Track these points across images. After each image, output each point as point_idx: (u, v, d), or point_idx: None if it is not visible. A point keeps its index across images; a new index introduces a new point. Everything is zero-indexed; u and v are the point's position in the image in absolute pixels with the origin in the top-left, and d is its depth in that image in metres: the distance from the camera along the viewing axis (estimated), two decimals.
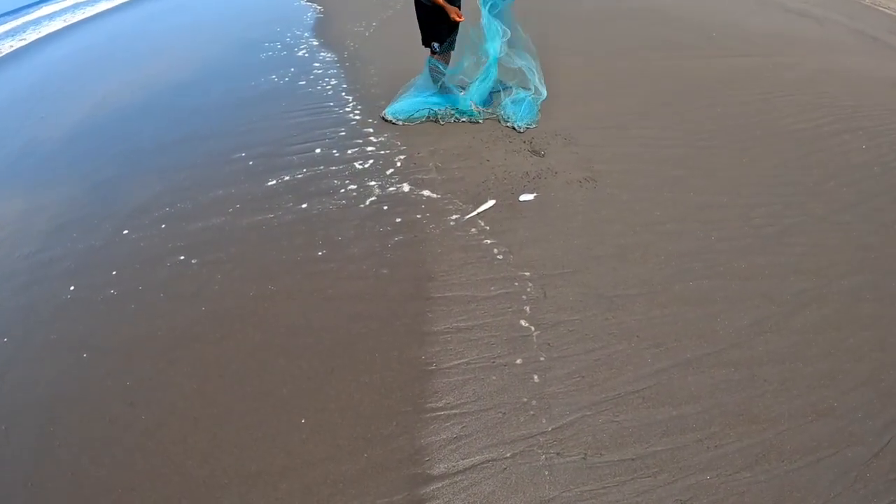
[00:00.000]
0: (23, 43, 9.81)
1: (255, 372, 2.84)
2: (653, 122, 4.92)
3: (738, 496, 2.17)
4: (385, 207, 3.98)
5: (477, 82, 5.04)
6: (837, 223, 3.63)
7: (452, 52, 5.08)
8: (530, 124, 4.93)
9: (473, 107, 5.02)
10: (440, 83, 5.12)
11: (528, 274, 3.30)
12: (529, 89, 5.21)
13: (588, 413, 2.51)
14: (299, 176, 4.45)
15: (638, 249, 3.44)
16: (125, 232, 4.01)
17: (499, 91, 5.26)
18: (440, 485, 2.27)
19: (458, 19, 4.71)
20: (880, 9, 8.80)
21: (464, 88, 5.19)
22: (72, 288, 3.55)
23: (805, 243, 3.46)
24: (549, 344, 2.85)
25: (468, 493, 2.24)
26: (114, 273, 3.62)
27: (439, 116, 5.15)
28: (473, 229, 3.70)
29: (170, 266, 3.62)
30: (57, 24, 10.91)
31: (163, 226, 4.02)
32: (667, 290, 3.14)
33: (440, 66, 5.02)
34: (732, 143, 4.56)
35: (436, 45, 4.87)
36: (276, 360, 2.89)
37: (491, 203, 3.90)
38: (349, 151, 4.75)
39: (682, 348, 2.80)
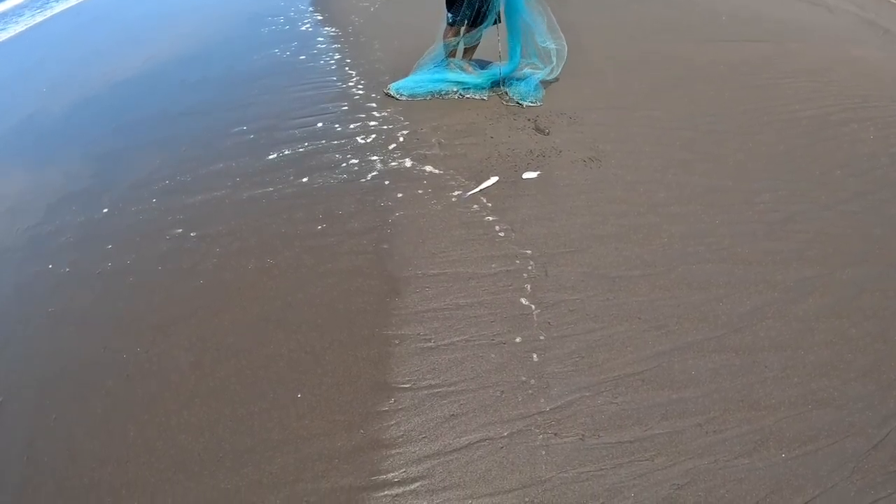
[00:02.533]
0: (30, 23, 9.71)
1: (252, 346, 2.82)
2: (659, 105, 4.86)
3: (736, 482, 2.16)
4: (386, 182, 3.95)
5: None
6: (843, 212, 3.58)
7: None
8: (535, 102, 4.88)
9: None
10: (449, 58, 5.10)
11: (529, 252, 3.28)
12: (539, 68, 5.16)
13: (587, 394, 2.49)
14: (300, 150, 4.41)
15: (641, 230, 3.41)
16: (124, 205, 3.99)
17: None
18: (436, 462, 2.26)
19: None
20: (892, 0, 8.68)
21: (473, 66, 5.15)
22: (70, 261, 3.53)
23: (809, 231, 3.42)
24: (549, 323, 2.83)
25: (464, 472, 2.22)
26: (112, 246, 3.61)
27: (443, 93, 5.10)
28: (475, 206, 3.66)
29: (168, 239, 3.59)
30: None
31: (162, 199, 3.99)
32: (669, 272, 3.11)
33: (453, 43, 5.01)
34: (739, 127, 4.50)
35: (449, 15, 4.82)
36: (273, 334, 2.87)
37: (494, 180, 3.86)
38: (351, 126, 4.71)
39: (683, 331, 2.77)
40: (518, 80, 5.05)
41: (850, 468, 2.21)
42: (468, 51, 5.21)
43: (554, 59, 5.08)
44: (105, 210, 3.96)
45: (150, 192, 4.09)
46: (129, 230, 3.73)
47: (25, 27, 9.64)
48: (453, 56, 5.15)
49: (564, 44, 5.08)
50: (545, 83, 5.13)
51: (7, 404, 2.70)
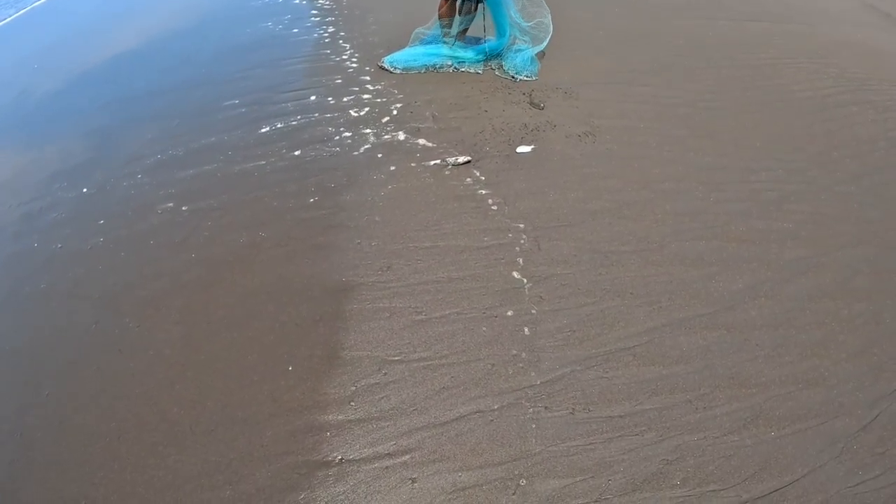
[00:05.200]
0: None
1: (243, 319, 2.80)
2: (656, 81, 4.83)
3: (725, 459, 2.17)
4: (379, 155, 3.91)
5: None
6: (839, 194, 3.58)
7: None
8: (530, 76, 4.84)
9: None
10: (446, 34, 5.06)
11: (522, 226, 3.26)
12: (530, 42, 5.10)
13: (578, 368, 2.49)
14: (293, 123, 4.36)
15: (635, 206, 3.40)
16: (115, 180, 3.93)
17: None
18: (426, 434, 2.26)
19: None
20: None
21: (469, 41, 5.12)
22: (62, 237, 3.48)
23: (805, 211, 3.42)
24: (541, 297, 2.82)
25: (454, 444, 2.22)
26: (104, 221, 3.56)
27: (438, 67, 5.05)
28: (468, 179, 3.65)
29: (160, 213, 3.55)
30: None
31: (154, 173, 3.94)
32: (662, 248, 3.11)
33: (446, 21, 4.98)
34: (737, 106, 4.49)
35: None
36: (264, 307, 2.85)
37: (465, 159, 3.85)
38: (345, 99, 4.66)
39: (675, 308, 2.77)
40: (514, 53, 4.99)
41: (839, 448, 2.22)
42: (461, 31, 5.16)
43: (547, 25, 5.03)
44: (97, 185, 3.90)
45: (141, 166, 4.03)
46: (121, 205, 3.68)
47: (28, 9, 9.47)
48: (447, 36, 5.10)
49: (548, 16, 5.05)
50: (540, 57, 5.08)
51: None
